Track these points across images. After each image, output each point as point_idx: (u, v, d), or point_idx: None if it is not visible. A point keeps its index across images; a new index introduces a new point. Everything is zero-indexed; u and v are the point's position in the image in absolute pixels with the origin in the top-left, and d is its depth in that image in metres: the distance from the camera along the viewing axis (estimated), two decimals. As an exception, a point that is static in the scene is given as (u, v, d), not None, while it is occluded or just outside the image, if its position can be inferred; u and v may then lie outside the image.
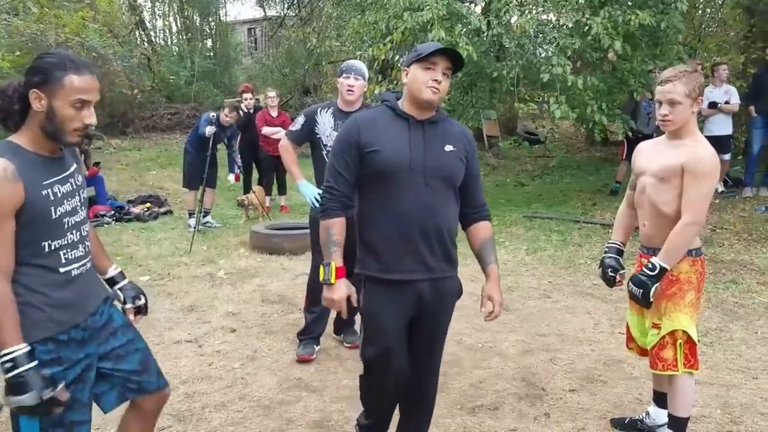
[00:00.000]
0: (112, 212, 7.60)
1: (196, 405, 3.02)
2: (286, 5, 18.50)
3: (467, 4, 7.86)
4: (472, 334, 3.89)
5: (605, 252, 2.71)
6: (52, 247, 1.71)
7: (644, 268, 2.41)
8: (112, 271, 2.07)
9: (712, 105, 7.05)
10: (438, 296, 2.18)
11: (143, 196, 8.53)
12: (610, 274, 2.65)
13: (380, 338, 2.17)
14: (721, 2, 10.84)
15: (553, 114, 6.82)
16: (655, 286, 2.37)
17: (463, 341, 3.78)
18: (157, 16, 19.55)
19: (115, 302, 2.03)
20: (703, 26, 10.92)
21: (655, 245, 2.45)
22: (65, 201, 1.74)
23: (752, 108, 7.34)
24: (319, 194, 2.77)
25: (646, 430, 2.72)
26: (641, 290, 2.39)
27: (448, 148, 2.15)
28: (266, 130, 7.47)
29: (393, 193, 2.10)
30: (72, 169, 1.81)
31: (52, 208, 1.69)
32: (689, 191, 2.32)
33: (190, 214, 7.01)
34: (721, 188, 7.37)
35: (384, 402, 2.36)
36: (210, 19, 19.70)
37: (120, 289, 2.07)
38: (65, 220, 1.73)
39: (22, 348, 1.60)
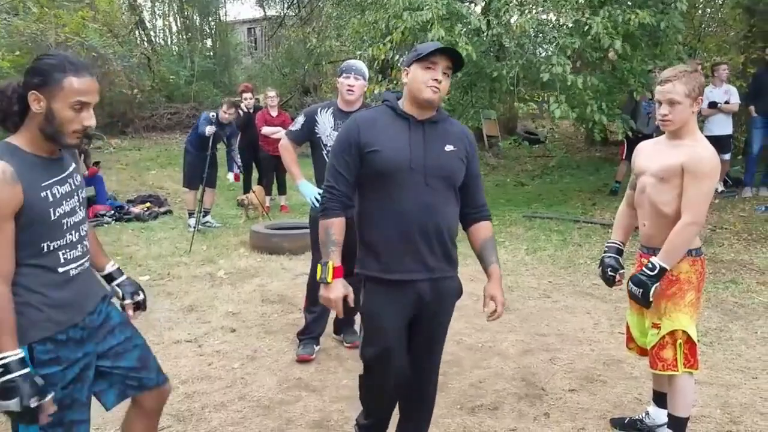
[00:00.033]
0: (112, 212, 7.59)
1: (196, 405, 3.02)
2: (286, 5, 18.50)
3: (467, 3, 7.85)
4: (472, 334, 3.89)
5: (605, 251, 2.71)
6: (51, 248, 1.71)
7: (644, 268, 2.41)
8: (109, 268, 2.07)
9: (712, 105, 7.05)
10: (438, 296, 2.18)
11: (143, 196, 8.52)
12: (610, 273, 2.65)
13: (380, 338, 2.17)
14: (721, 2, 10.85)
15: (553, 114, 6.82)
16: (654, 286, 2.37)
17: (463, 341, 3.78)
18: (156, 16, 19.57)
19: (114, 299, 2.03)
20: (702, 26, 10.91)
21: (655, 245, 2.45)
22: (64, 202, 1.74)
23: (752, 108, 7.34)
24: (319, 194, 2.78)
25: (645, 430, 2.72)
26: (641, 290, 2.39)
27: (449, 148, 2.15)
28: (266, 129, 7.47)
29: (393, 193, 2.10)
30: (71, 169, 1.81)
31: (51, 210, 1.69)
32: (689, 191, 2.32)
33: (190, 214, 7.01)
34: (721, 188, 7.37)
35: (384, 402, 2.36)
36: (210, 18, 19.69)
37: (118, 285, 2.07)
38: (64, 220, 1.73)
39: (16, 354, 1.60)
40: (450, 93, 7.38)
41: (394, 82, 7.48)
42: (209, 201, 7.08)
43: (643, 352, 2.63)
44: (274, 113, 7.65)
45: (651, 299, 2.38)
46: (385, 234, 2.12)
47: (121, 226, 7.25)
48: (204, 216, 6.97)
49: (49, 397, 1.64)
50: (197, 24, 19.45)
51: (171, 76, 15.89)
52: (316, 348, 3.62)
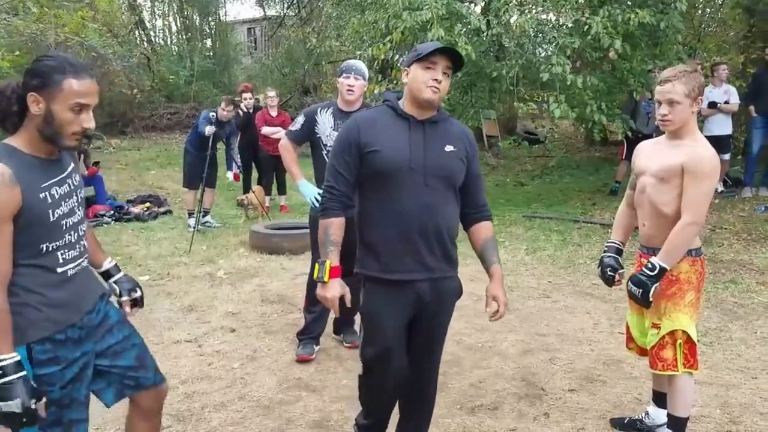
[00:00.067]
0: (112, 212, 7.59)
1: (196, 405, 3.02)
2: (285, 5, 18.49)
3: (467, 3, 7.85)
4: (471, 334, 3.89)
5: (604, 251, 2.71)
6: (50, 248, 1.71)
7: (644, 268, 2.41)
8: (107, 264, 2.07)
9: (712, 105, 7.05)
10: (438, 296, 2.18)
11: (143, 196, 8.52)
12: (609, 273, 2.64)
13: (380, 338, 2.17)
14: (720, 2, 10.85)
15: (553, 114, 6.82)
16: (654, 286, 2.37)
17: (463, 341, 3.78)
18: (156, 16, 19.58)
19: (112, 298, 2.03)
20: (702, 26, 10.92)
21: (655, 245, 2.45)
22: (63, 202, 1.73)
23: (752, 108, 7.34)
24: (319, 194, 2.77)
25: (645, 430, 2.72)
26: (641, 290, 2.39)
27: (449, 148, 2.15)
28: (266, 129, 7.47)
29: (393, 193, 2.10)
30: (69, 169, 1.80)
31: (50, 211, 1.69)
32: (689, 191, 2.32)
33: (190, 214, 7.01)
34: (720, 188, 7.37)
35: (383, 402, 2.36)
36: (209, 18, 19.70)
37: (115, 282, 2.07)
38: (63, 221, 1.73)
39: (12, 357, 1.60)
40: (450, 93, 7.38)
41: (394, 82, 7.48)
42: (209, 201, 7.08)
43: (642, 352, 2.63)
44: (273, 113, 7.65)
45: (651, 299, 2.38)
46: (384, 234, 2.12)
47: (121, 226, 7.25)
48: (204, 216, 6.97)
49: (44, 400, 1.64)
50: (197, 24, 19.45)
51: (171, 76, 15.90)
52: (316, 348, 3.62)
